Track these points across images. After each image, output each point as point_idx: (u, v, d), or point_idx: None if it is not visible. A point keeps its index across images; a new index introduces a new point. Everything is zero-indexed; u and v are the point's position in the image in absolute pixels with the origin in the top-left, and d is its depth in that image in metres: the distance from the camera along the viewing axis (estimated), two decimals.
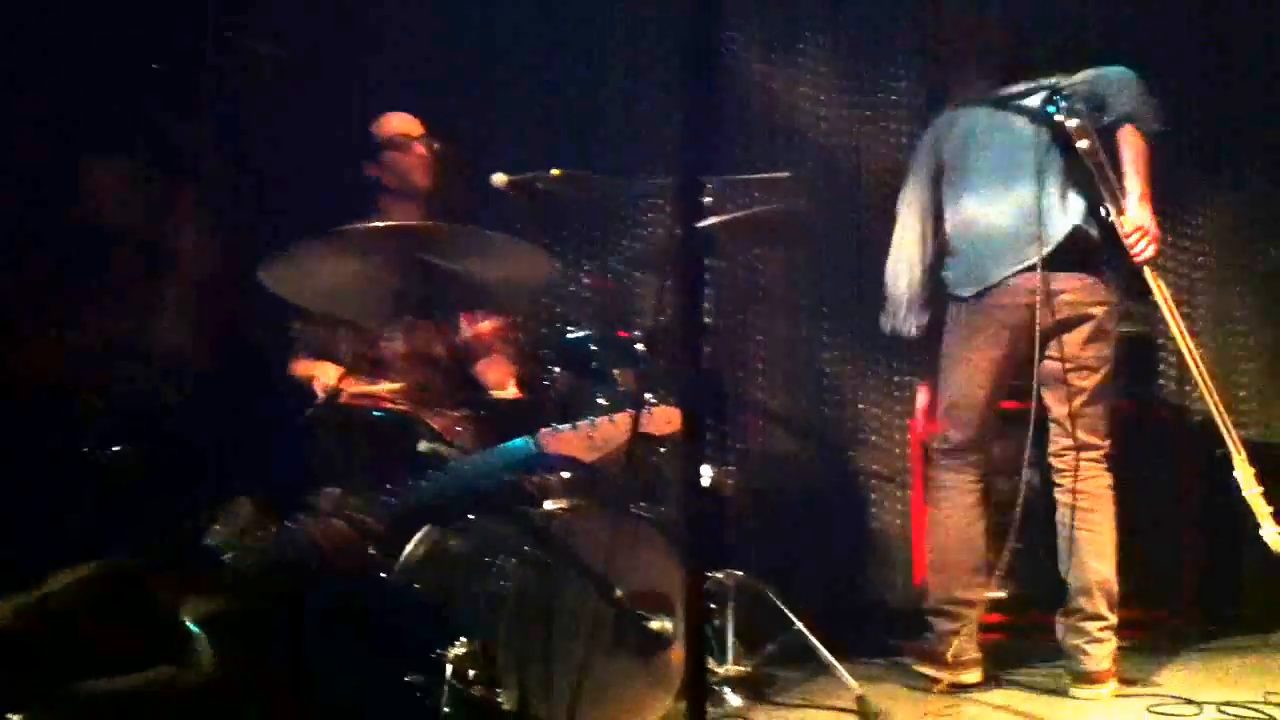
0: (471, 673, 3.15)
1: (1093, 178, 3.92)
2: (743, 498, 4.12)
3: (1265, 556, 4.93)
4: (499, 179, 4.04)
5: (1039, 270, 3.93)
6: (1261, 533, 3.76)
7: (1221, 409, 3.86)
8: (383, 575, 3.31)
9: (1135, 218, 3.91)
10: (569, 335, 3.79)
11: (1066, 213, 3.98)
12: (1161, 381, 5.22)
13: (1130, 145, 3.97)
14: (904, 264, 4.23)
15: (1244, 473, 3.78)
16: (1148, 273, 3.94)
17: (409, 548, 3.37)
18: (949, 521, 4.13)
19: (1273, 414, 5.45)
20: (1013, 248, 4.01)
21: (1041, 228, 3.94)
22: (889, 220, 5.20)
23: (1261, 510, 3.77)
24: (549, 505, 3.46)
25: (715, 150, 4.92)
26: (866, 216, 5.28)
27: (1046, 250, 3.94)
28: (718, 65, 4.95)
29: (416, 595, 3.30)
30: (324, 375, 3.75)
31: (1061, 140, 3.98)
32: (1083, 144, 3.93)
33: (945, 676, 4.04)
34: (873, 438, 5.30)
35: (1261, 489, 3.77)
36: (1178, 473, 4.83)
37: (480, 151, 4.38)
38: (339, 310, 3.66)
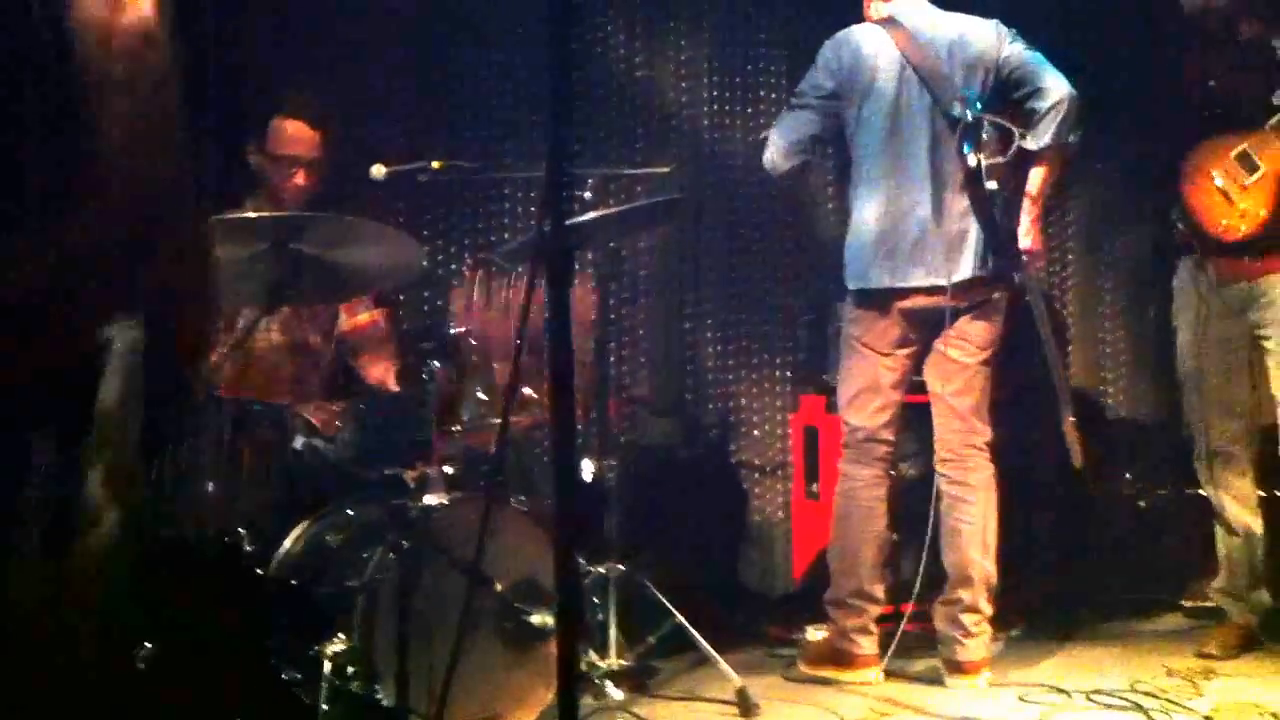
0: (349, 669, 3.13)
1: (994, 205, 3.98)
2: (623, 490, 4.11)
3: (1124, 545, 5.10)
4: (378, 170, 4.01)
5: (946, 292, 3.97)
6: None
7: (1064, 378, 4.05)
8: (258, 571, 3.28)
9: (1024, 240, 4.00)
10: (449, 328, 3.77)
11: (965, 248, 4.00)
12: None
13: (1045, 167, 4.00)
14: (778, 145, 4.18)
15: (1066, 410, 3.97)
16: (1027, 285, 4.06)
17: (286, 544, 3.34)
18: (854, 514, 4.10)
19: (1137, 393, 5.61)
20: (917, 258, 4.00)
21: (950, 257, 3.97)
22: (762, 210, 5.30)
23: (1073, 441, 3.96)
24: (428, 499, 3.44)
25: (584, 142, 4.94)
26: (740, 205, 5.32)
27: (954, 279, 3.98)
28: (578, 55, 4.93)
29: (293, 590, 3.27)
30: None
31: (969, 156, 3.97)
32: (991, 185, 3.96)
33: (847, 677, 4.05)
34: (754, 431, 5.34)
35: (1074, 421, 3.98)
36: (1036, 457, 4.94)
37: (358, 142, 4.33)
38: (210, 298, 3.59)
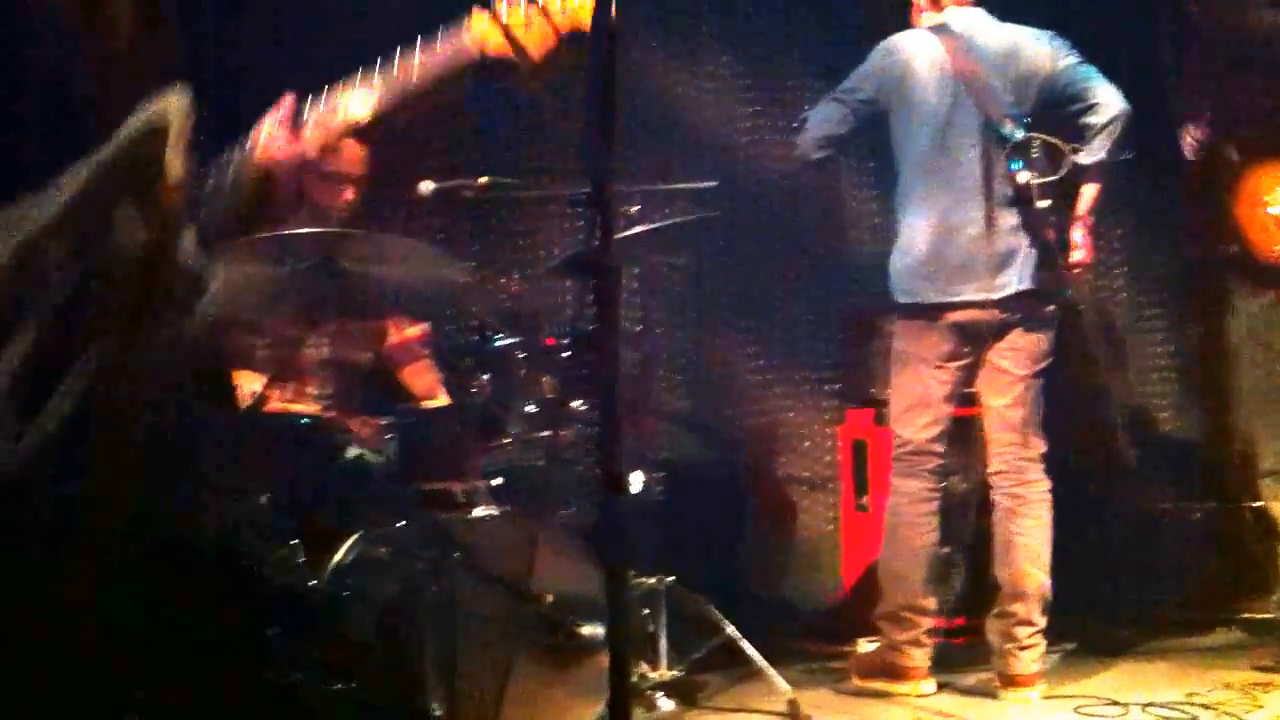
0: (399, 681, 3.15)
1: (1045, 222, 3.96)
2: (672, 503, 4.12)
3: (1173, 559, 5.05)
4: (425, 187, 4.04)
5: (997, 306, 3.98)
6: None
7: None
8: (312, 582, 3.30)
9: (1078, 257, 3.99)
10: (495, 343, 3.78)
11: (1011, 264, 3.99)
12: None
13: (1096, 182, 3.99)
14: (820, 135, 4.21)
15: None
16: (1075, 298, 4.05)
17: (338, 555, 3.35)
18: (905, 528, 4.08)
19: (1183, 407, 5.53)
20: (967, 274, 4.00)
21: (999, 272, 3.97)
22: (803, 224, 5.30)
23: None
24: (475, 512, 3.45)
25: (629, 159, 4.95)
26: (780, 219, 5.32)
27: (1003, 293, 3.97)
28: (620, 73, 4.94)
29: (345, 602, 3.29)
30: (246, 383, 3.72)
31: (1018, 178, 3.96)
32: (1042, 204, 3.94)
33: (899, 690, 4.03)
34: (802, 444, 5.33)
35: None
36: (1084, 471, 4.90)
37: (407, 158, 4.36)
38: (255, 315, 3.64)
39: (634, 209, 4.05)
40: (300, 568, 3.33)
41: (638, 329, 4.41)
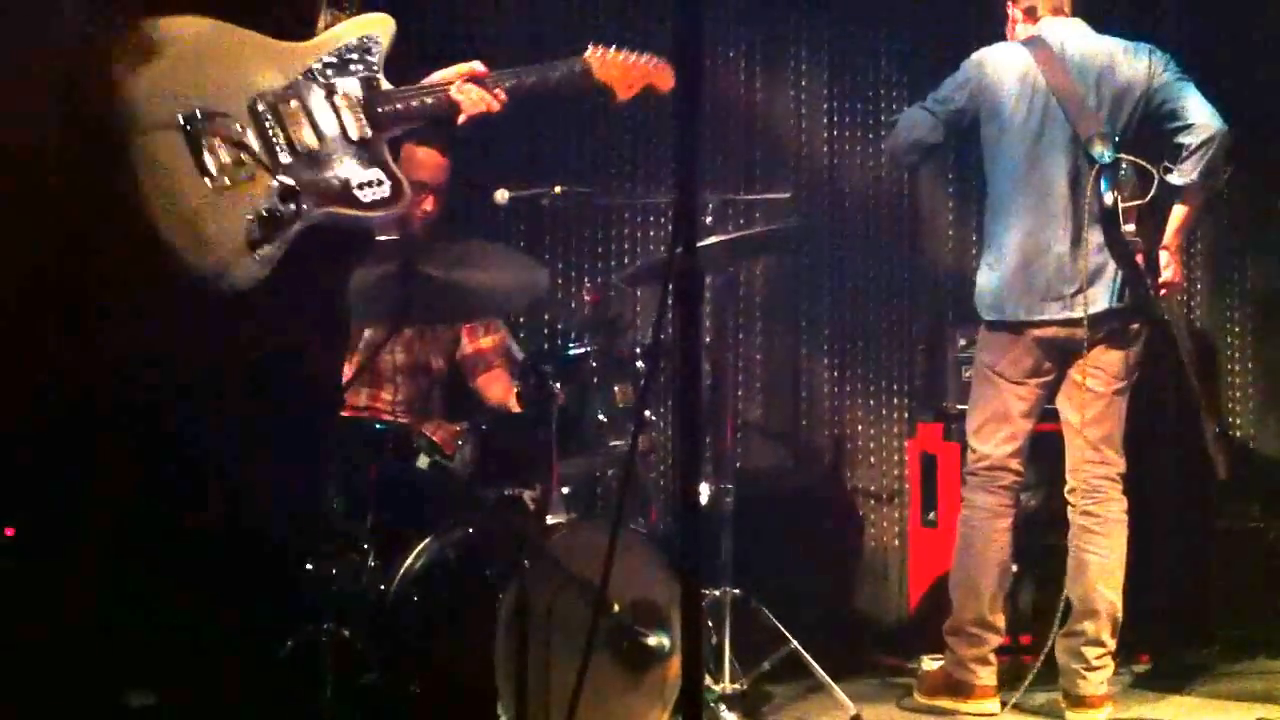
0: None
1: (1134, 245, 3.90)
2: (738, 514, 4.12)
3: (1246, 581, 4.98)
4: (501, 195, 4.07)
5: (1083, 324, 3.92)
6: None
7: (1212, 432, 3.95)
8: (381, 588, 3.34)
9: (1165, 273, 3.95)
10: (569, 350, 3.81)
11: (1102, 282, 3.96)
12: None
13: (1188, 206, 3.95)
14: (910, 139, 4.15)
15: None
16: (1170, 319, 4.01)
17: (408, 560, 3.39)
18: (977, 543, 4.04)
19: (1266, 425, 5.48)
20: (1054, 292, 3.96)
21: (1086, 290, 3.92)
22: (879, 235, 5.29)
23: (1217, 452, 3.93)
24: (548, 519, 3.47)
25: (703, 167, 4.96)
26: (858, 230, 5.32)
27: (1091, 310, 3.92)
28: (706, 81, 4.97)
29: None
30: None
31: (1106, 199, 3.90)
32: (1129, 227, 3.89)
33: (965, 708, 4.00)
34: (869, 458, 5.32)
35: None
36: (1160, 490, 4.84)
37: (482, 168, 4.39)
38: None
39: (709, 218, 4.06)
40: (372, 572, 3.37)
41: (708, 339, 4.42)
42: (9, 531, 2.64)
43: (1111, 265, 3.93)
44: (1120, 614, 3.94)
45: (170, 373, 2.53)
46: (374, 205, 2.65)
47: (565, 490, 3.58)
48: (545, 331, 4.85)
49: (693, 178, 2.54)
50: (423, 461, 3.57)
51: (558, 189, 4.12)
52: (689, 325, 2.34)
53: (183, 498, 2.67)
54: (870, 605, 5.19)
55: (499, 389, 4.15)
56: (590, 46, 3.11)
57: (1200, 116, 3.88)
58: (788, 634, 3.96)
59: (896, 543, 5.21)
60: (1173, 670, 4.53)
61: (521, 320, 4.76)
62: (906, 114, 4.21)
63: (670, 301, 2.40)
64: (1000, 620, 4.04)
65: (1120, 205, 3.85)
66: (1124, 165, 3.87)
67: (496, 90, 2.88)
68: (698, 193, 2.86)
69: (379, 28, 2.73)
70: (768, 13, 5.30)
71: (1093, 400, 3.98)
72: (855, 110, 5.37)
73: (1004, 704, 4.03)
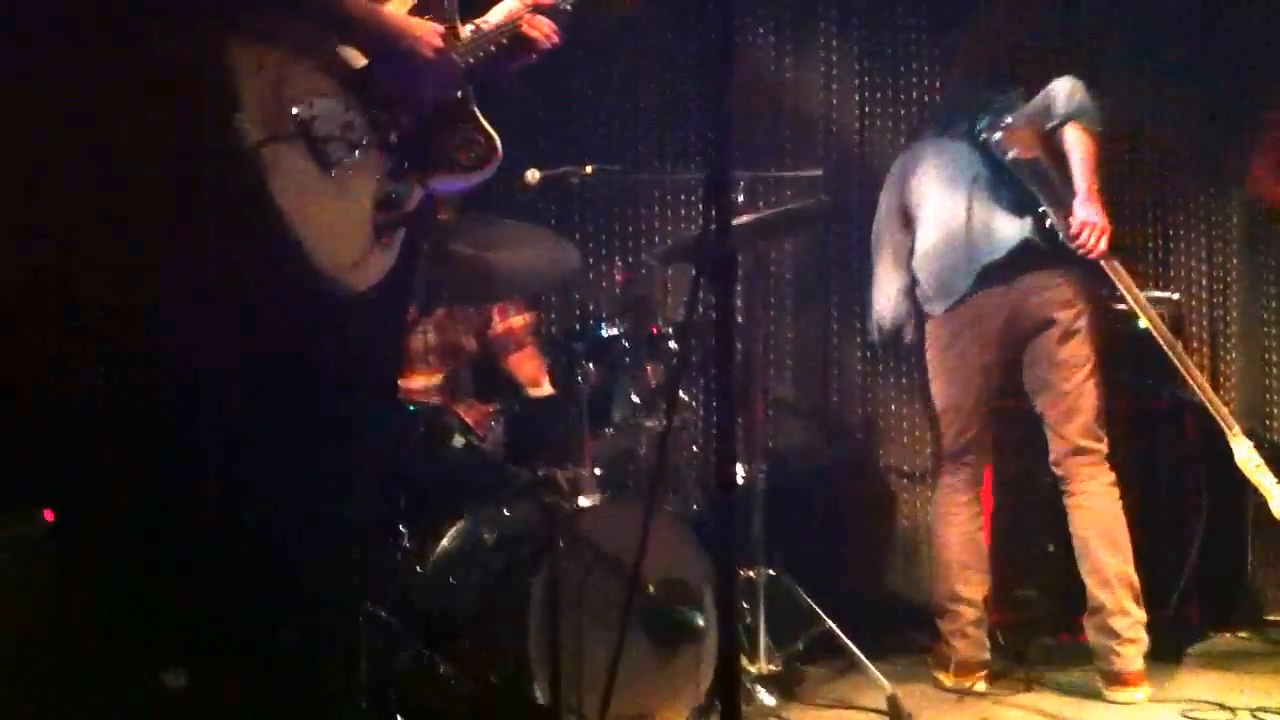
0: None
1: (1028, 185, 3.98)
2: (770, 494, 4.10)
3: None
4: (532, 175, 4.05)
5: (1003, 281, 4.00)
6: (1272, 506, 3.82)
7: (1209, 392, 3.94)
8: (416, 569, 3.34)
9: (1080, 215, 3.94)
10: (601, 330, 3.79)
11: (1011, 224, 4.00)
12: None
13: (1075, 144, 3.99)
14: (885, 298, 4.29)
15: (1240, 445, 3.85)
16: (1106, 267, 3.97)
17: (443, 542, 3.39)
18: (944, 520, 4.17)
19: None
20: (967, 263, 4.05)
21: (989, 242, 4.00)
22: None
23: (1264, 485, 3.82)
24: (581, 500, 3.47)
25: (741, 145, 4.93)
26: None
27: (993, 258, 3.99)
28: (736, 59, 4.94)
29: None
30: None
31: (995, 155, 4.04)
32: (1011, 154, 3.99)
33: (947, 681, 4.07)
34: (902, 437, 5.29)
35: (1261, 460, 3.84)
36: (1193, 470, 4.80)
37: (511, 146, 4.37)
38: None
39: (740, 196, 4.03)
40: (407, 553, 3.37)
41: (739, 317, 4.39)
42: (49, 515, 2.65)
43: (1014, 234, 4.00)
44: (1135, 581, 3.94)
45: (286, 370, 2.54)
46: (473, 166, 2.61)
47: (597, 470, 3.57)
48: (576, 311, 4.84)
49: (725, 155, 2.53)
50: (456, 442, 3.57)
51: (588, 168, 4.10)
52: (723, 304, 2.33)
53: (234, 485, 2.68)
54: (904, 584, 5.16)
55: (531, 369, 4.14)
56: None
57: (1050, 84, 4.02)
58: (822, 613, 3.94)
59: (927, 521, 5.18)
60: (1209, 653, 4.49)
61: (552, 300, 4.75)
62: (873, 301, 4.34)
63: (703, 281, 2.39)
64: (971, 591, 4.09)
65: (995, 139, 3.98)
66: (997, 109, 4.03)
67: (565, 6, 2.82)
68: (730, 171, 2.85)
69: None
70: None
71: (1058, 384, 4.03)
72: (886, 85, 5.32)
73: (1029, 683, 4.05)
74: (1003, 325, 4.04)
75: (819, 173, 4.62)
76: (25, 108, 2.82)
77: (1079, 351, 4.02)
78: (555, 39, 2.81)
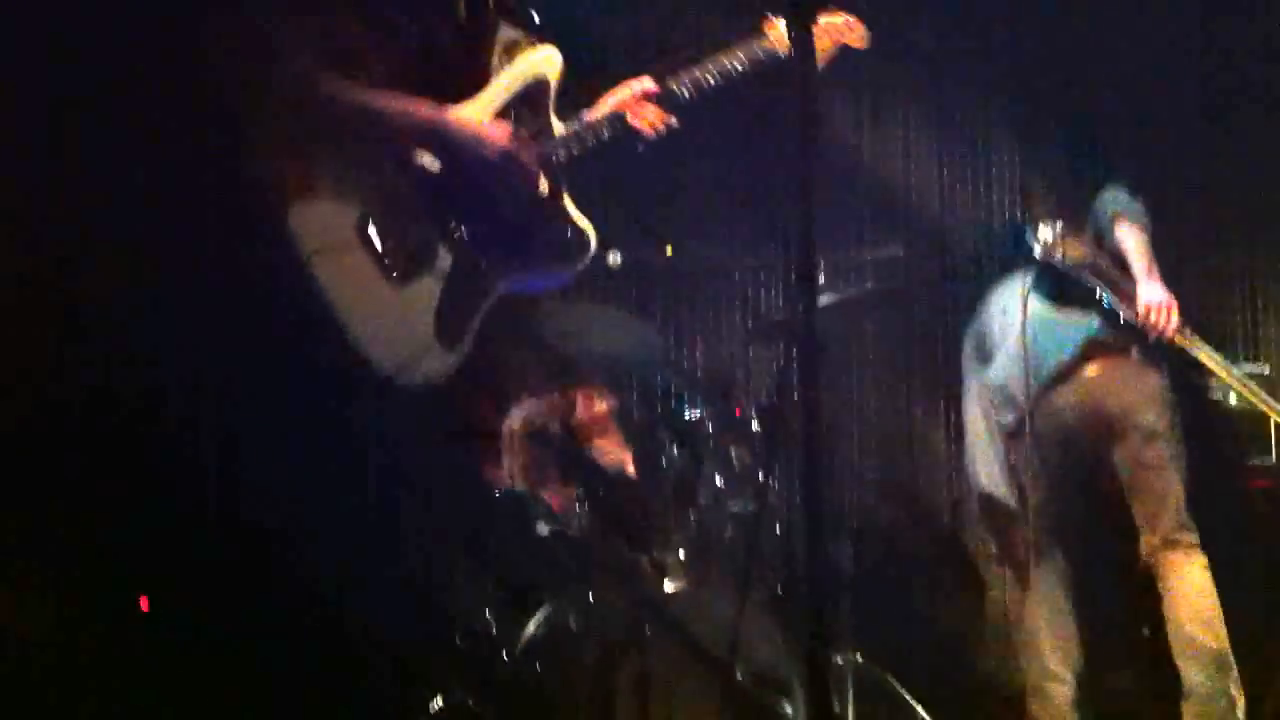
0: None
1: (1088, 282, 3.95)
2: (857, 575, 4.05)
3: None
4: (614, 258, 4.06)
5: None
6: None
7: None
8: (504, 656, 3.32)
9: (1144, 297, 3.92)
10: (684, 413, 3.78)
11: (1075, 324, 3.97)
12: None
13: (1126, 236, 3.99)
14: (985, 475, 4.26)
15: None
16: (1184, 344, 3.94)
17: (529, 628, 3.36)
18: (1036, 600, 4.18)
19: None
20: (1035, 370, 4.04)
21: (1055, 345, 4.01)
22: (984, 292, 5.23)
23: None
24: (667, 585, 3.44)
25: (822, 225, 4.91)
26: (969, 287, 5.23)
27: (1062, 359, 3.98)
28: (821, 141, 4.94)
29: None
30: None
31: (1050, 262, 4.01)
32: (1058, 256, 3.95)
33: None
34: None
35: None
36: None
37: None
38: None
39: (823, 278, 4.02)
40: (493, 640, 3.35)
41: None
42: (144, 603, 2.68)
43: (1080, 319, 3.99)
44: (1230, 659, 3.85)
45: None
46: (561, 261, 2.60)
47: (683, 555, 3.54)
48: (659, 393, 4.82)
49: (809, 239, 2.52)
50: (541, 529, 3.56)
51: (669, 249, 4.11)
52: (809, 387, 2.31)
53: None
54: (996, 671, 5.05)
55: (614, 453, 4.12)
56: (765, 19, 2.94)
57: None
58: (911, 700, 3.87)
59: (1020, 603, 5.07)
60: None
61: (635, 382, 4.74)
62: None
63: (788, 363, 2.38)
64: (1066, 670, 4.06)
65: (1044, 243, 3.94)
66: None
67: (684, 92, 2.78)
68: (814, 254, 2.84)
69: (544, 67, 2.64)
70: (876, 68, 5.27)
71: (1145, 498, 3.99)
72: (965, 164, 5.31)
73: None
74: (1083, 425, 4.00)
75: (899, 253, 4.60)
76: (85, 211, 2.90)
77: (1164, 452, 3.97)
78: (662, 127, 2.80)
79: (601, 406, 4.18)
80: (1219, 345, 4.02)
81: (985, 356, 4.25)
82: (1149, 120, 4.53)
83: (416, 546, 2.88)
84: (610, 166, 4.83)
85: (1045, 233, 3.97)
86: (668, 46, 3.13)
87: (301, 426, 2.78)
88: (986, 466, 4.22)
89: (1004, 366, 4.14)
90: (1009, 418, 4.12)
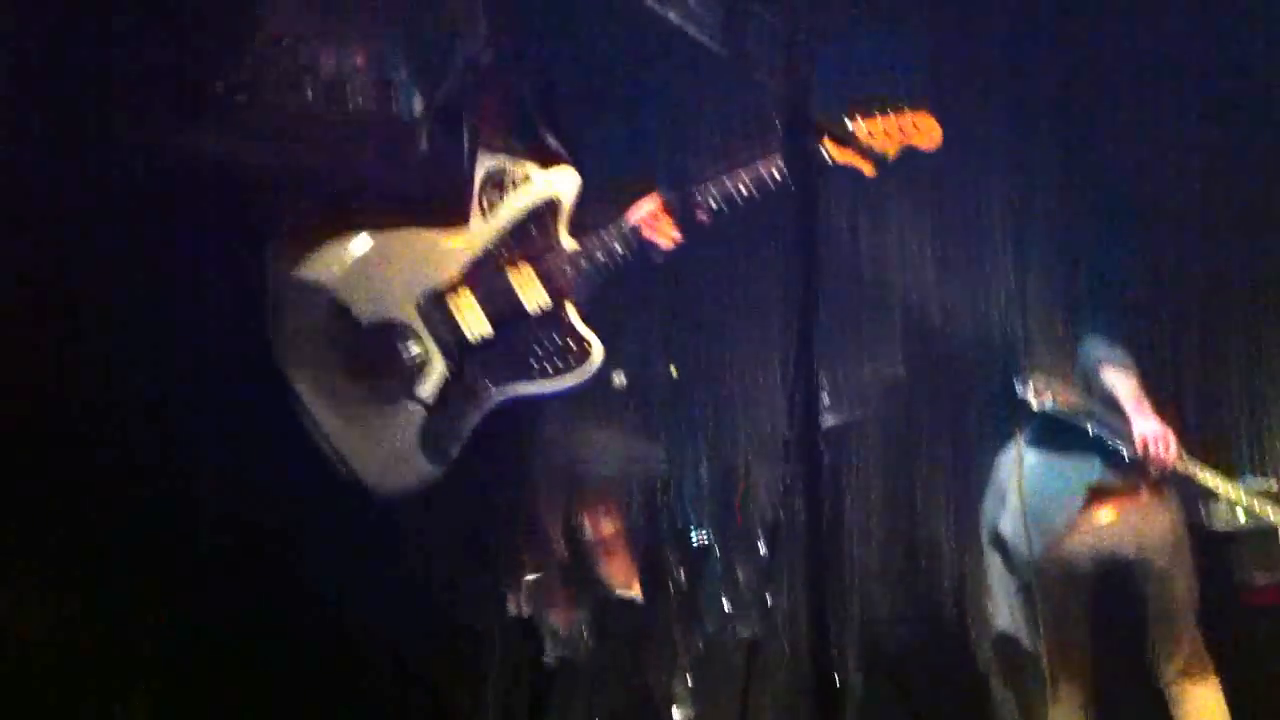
0: None
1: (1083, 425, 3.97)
2: (865, 695, 4.01)
3: None
4: (618, 378, 4.08)
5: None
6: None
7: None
8: None
9: (1139, 430, 3.93)
10: (690, 532, 3.77)
11: (1074, 471, 3.98)
12: None
13: (1115, 380, 4.01)
14: (1003, 618, 4.25)
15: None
16: (1186, 473, 3.95)
17: None
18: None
19: None
20: (1038, 523, 4.05)
21: (1056, 497, 4.01)
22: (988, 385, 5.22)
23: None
24: (675, 713, 3.41)
25: (829, 342, 4.93)
26: (969, 389, 5.23)
27: (1070, 512, 3.97)
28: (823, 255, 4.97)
29: None
30: None
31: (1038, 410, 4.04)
32: (1050, 403, 3.98)
33: None
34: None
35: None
36: None
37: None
38: None
39: (825, 398, 4.04)
40: None
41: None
42: None
43: (1078, 465, 4.01)
44: None
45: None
46: (561, 373, 2.60)
47: (689, 680, 3.51)
48: (664, 511, 4.80)
49: (811, 351, 2.53)
50: (548, 658, 3.53)
51: (673, 369, 4.13)
52: (814, 508, 2.31)
53: None
54: None
55: (621, 572, 4.11)
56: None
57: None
58: None
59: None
60: None
61: (640, 501, 4.72)
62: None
63: (791, 484, 2.38)
64: None
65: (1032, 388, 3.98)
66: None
67: (696, 213, 2.77)
68: (816, 375, 2.87)
69: (561, 187, 2.66)
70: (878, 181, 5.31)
71: (1158, 637, 3.99)
72: (970, 280, 5.32)
73: None
74: (1098, 570, 4.01)
75: (900, 370, 4.61)
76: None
77: (1180, 589, 4.00)
78: (678, 240, 2.81)
79: (609, 528, 4.18)
80: (1223, 465, 4.02)
81: (998, 504, 4.27)
82: (1146, 246, 4.56)
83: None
84: (615, 284, 4.90)
85: (1036, 382, 4.01)
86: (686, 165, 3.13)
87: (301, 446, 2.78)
88: (1004, 609, 4.21)
89: (1011, 520, 4.15)
90: (1021, 566, 4.12)
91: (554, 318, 2.60)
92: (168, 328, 2.94)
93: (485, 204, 2.69)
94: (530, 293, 2.60)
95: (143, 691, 2.89)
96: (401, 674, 2.90)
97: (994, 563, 4.27)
